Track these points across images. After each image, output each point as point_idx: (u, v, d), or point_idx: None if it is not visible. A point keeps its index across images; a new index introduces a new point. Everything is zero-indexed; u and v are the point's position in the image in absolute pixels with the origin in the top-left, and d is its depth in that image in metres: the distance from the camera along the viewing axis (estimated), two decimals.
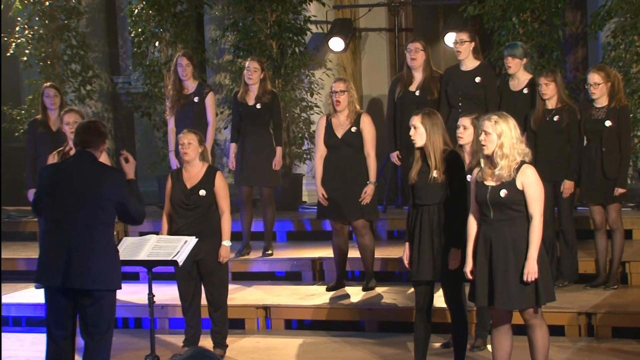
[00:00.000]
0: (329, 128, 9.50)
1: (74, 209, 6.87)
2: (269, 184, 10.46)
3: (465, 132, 7.72)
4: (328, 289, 9.75)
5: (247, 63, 10.42)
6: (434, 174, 7.34)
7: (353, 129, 9.41)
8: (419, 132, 7.39)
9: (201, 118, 10.57)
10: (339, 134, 9.44)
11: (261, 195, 10.52)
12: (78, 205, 6.87)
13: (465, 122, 7.75)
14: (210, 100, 10.63)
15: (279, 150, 10.44)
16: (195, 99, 10.57)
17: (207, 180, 8.35)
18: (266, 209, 10.50)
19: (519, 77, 9.54)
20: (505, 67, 9.58)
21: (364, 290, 9.64)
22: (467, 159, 7.74)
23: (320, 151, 9.57)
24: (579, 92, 11.68)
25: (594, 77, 9.08)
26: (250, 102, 10.37)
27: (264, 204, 10.50)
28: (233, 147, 10.56)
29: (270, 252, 10.55)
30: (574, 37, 12.48)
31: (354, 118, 9.42)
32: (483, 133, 6.85)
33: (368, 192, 9.39)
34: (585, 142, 9.25)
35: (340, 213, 9.49)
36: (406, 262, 7.57)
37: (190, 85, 10.62)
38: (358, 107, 9.54)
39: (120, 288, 7.05)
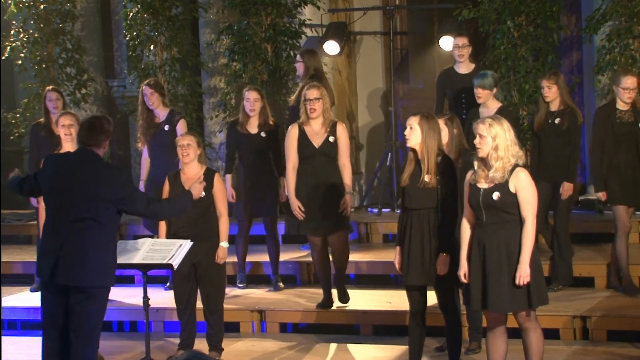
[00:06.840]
0: (303, 137, 8.96)
1: (70, 206, 6.86)
2: (274, 213, 10.10)
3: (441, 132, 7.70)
4: (318, 307, 9.32)
5: (245, 94, 9.98)
6: (426, 178, 7.29)
7: (331, 139, 8.94)
8: (415, 133, 7.32)
9: (175, 146, 10.21)
10: (316, 143, 8.94)
11: (265, 225, 10.07)
12: (75, 202, 6.85)
13: (439, 123, 7.73)
14: (181, 127, 10.17)
15: (283, 181, 9.82)
16: (166, 128, 10.20)
17: (206, 182, 8.22)
18: (272, 239, 10.06)
19: (489, 105, 9.28)
20: (476, 97, 9.35)
21: (341, 302, 9.30)
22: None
23: (292, 161, 8.99)
24: (574, 95, 11.69)
25: (633, 82, 9.02)
26: (253, 130, 9.94)
27: (270, 235, 10.06)
28: (229, 178, 10.08)
29: (281, 284, 10.15)
30: (568, 41, 12.47)
31: (330, 127, 8.97)
32: (478, 136, 6.86)
33: (347, 203, 8.94)
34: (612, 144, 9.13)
35: (320, 227, 9.01)
36: (397, 266, 7.53)
37: (161, 113, 10.25)
38: (331, 114, 9.10)
39: (109, 286, 6.96)
